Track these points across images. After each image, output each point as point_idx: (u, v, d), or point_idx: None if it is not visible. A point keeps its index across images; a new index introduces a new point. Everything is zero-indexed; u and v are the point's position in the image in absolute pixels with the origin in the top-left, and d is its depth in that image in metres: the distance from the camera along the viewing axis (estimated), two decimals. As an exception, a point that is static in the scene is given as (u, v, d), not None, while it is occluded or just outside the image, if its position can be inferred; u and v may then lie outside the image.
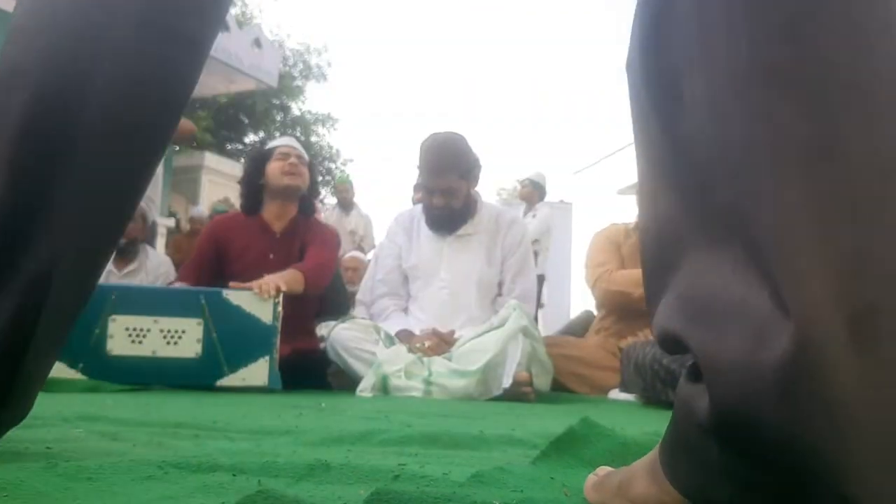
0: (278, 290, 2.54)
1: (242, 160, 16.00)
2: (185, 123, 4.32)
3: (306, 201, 3.08)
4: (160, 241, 9.01)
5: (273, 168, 3.01)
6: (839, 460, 0.44)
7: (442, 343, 2.72)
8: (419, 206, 3.20)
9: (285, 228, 3.01)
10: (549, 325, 6.62)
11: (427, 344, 2.67)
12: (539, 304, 5.28)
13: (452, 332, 2.77)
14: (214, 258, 2.99)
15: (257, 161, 3.06)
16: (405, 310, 3.03)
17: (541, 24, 65.71)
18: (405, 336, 2.78)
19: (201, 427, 1.34)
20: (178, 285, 2.93)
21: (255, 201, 3.04)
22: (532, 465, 0.92)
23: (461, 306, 2.91)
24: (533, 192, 7.71)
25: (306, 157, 3.10)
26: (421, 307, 2.96)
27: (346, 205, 7.70)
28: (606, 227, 3.38)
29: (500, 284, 3.00)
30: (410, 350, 2.64)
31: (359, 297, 3.32)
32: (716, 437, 0.49)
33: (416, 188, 4.51)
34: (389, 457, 1.01)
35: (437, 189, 2.95)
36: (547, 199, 7.86)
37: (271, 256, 2.88)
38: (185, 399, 2.09)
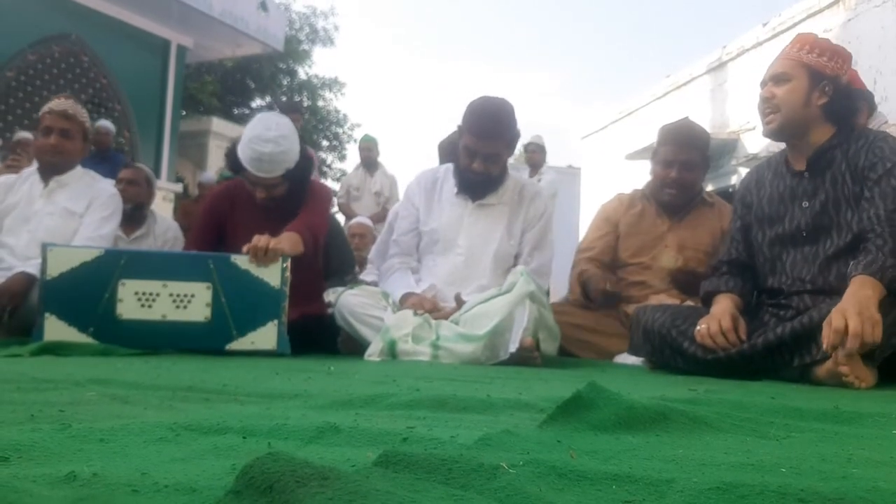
0: (273, 251, 2.53)
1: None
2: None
3: (297, 181, 2.90)
4: (168, 207, 9.04)
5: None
6: None
7: (438, 311, 2.72)
8: (443, 167, 3.14)
9: (278, 204, 2.90)
10: (555, 292, 6.61)
11: (421, 313, 2.67)
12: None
13: (458, 297, 2.76)
14: (216, 228, 2.98)
15: (232, 160, 2.88)
16: (413, 269, 3.01)
17: (550, -13, 64.80)
18: (406, 299, 2.78)
19: (211, 390, 1.35)
20: None
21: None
22: (539, 428, 0.93)
23: (474, 275, 2.89)
24: (539, 156, 7.69)
25: (288, 142, 2.82)
26: (434, 272, 2.94)
27: (370, 164, 7.43)
28: (611, 198, 3.36)
29: (516, 257, 2.97)
30: (416, 313, 2.63)
31: (370, 256, 3.32)
32: None
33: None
34: (398, 420, 1.01)
35: (482, 153, 2.87)
36: (554, 163, 7.84)
37: (266, 234, 2.68)
38: (195, 363, 2.11)
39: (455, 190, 2.99)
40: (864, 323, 1.85)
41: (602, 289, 3.00)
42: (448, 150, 5.43)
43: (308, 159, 2.99)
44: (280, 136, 2.77)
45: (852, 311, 1.87)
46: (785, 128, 2.27)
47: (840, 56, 2.25)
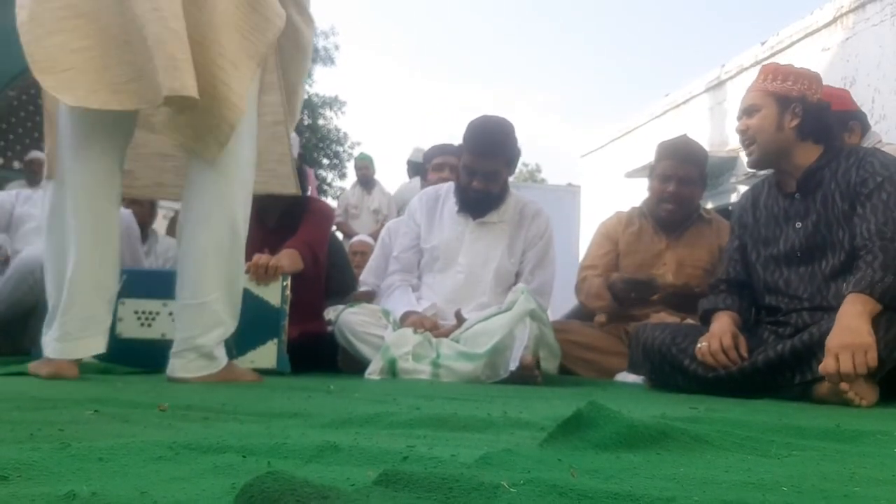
0: (274, 269, 2.53)
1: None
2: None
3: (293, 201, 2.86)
4: (165, 224, 9.05)
5: None
6: None
7: (438, 329, 2.71)
8: (445, 185, 3.16)
9: (278, 222, 2.94)
10: (555, 310, 6.62)
11: (421, 331, 2.66)
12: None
13: (459, 313, 2.76)
14: None
15: None
16: (414, 287, 3.01)
17: (549, 7, 65.34)
18: (406, 317, 2.78)
19: (211, 409, 1.35)
20: None
21: None
22: (539, 447, 0.93)
23: (475, 293, 2.90)
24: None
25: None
26: (434, 290, 2.95)
27: (366, 182, 7.49)
28: (610, 216, 3.37)
29: (517, 275, 2.98)
30: (416, 331, 2.63)
31: (362, 277, 3.33)
32: None
33: (436, 167, 4.28)
34: (398, 439, 1.01)
35: (480, 171, 2.89)
36: (554, 182, 7.86)
37: (265, 251, 2.76)
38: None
39: (456, 208, 3.00)
40: (856, 354, 1.87)
41: (644, 279, 2.96)
42: (414, 167, 5.59)
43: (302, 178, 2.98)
44: None
45: (844, 341, 1.89)
46: (764, 156, 2.33)
47: (805, 77, 2.31)
